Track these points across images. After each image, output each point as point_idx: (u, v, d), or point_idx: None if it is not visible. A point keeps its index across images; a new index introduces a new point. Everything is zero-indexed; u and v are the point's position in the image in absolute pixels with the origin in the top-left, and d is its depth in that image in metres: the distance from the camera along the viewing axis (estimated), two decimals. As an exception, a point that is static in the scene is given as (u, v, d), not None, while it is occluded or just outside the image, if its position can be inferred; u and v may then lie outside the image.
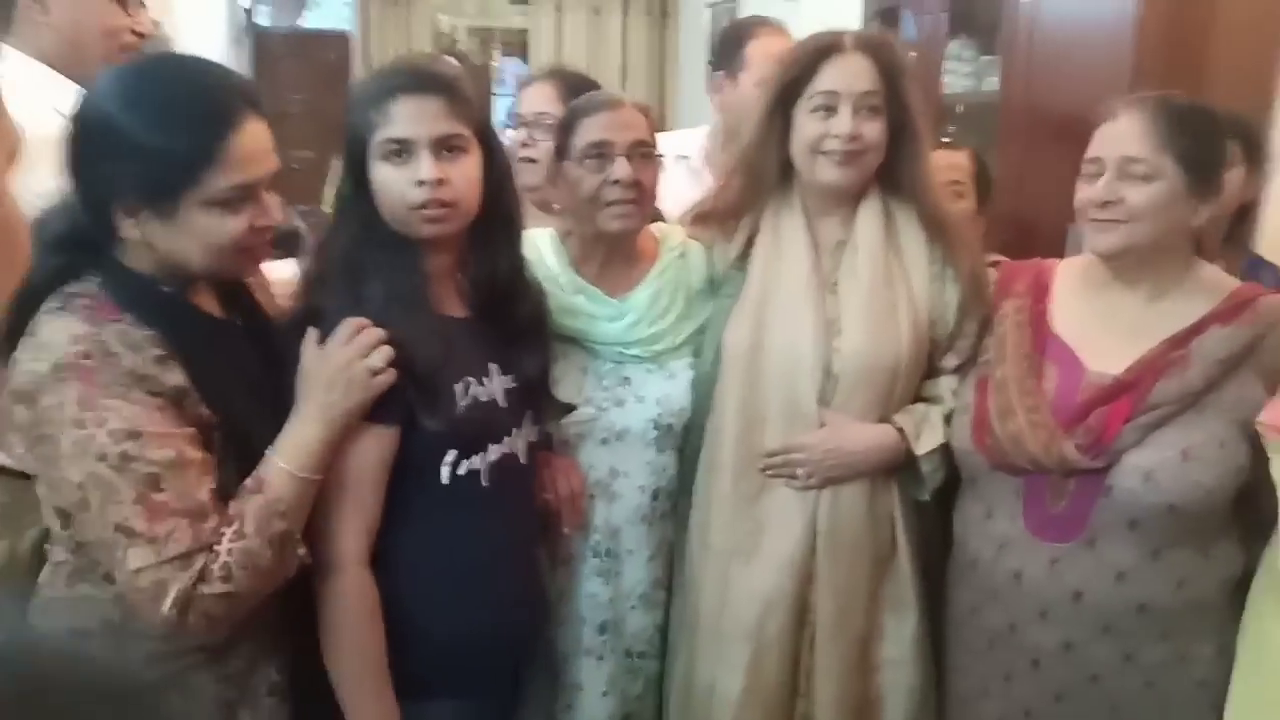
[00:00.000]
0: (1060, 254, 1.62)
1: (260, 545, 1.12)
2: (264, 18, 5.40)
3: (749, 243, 1.64)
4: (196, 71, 1.18)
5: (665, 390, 1.63)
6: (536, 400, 1.46)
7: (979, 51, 3.02)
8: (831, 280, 1.60)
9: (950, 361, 1.63)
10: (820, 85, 1.52)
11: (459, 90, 1.31)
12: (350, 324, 1.23)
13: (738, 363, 1.59)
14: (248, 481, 1.16)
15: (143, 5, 1.84)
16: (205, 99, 1.13)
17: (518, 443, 1.40)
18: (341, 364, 1.21)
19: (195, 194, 1.10)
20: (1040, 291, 1.55)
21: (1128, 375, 1.40)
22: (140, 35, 1.83)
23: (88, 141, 1.11)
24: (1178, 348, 1.39)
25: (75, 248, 1.15)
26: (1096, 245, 1.42)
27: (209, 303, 1.26)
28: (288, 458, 1.18)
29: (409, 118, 1.26)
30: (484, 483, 1.34)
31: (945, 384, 1.62)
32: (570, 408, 1.59)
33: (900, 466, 1.59)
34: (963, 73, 3.05)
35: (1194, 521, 1.37)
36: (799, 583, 1.56)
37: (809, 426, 1.57)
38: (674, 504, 1.69)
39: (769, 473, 1.59)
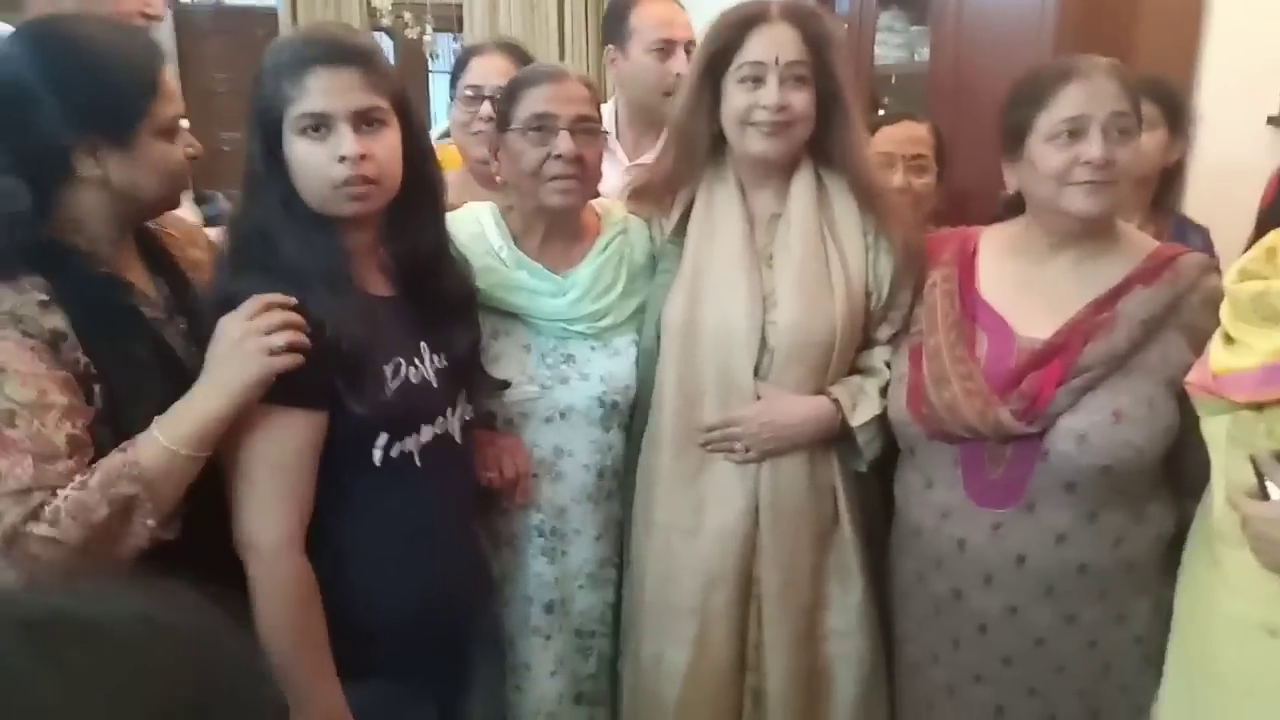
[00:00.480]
0: (989, 222, 1.64)
1: (97, 500, 1.10)
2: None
3: (685, 217, 1.64)
4: (116, 25, 1.35)
5: (609, 367, 1.63)
6: (468, 378, 1.45)
7: (909, 23, 3.04)
8: (766, 254, 1.60)
9: (884, 332, 1.64)
10: (747, 55, 1.51)
11: (376, 61, 1.27)
12: (256, 300, 1.18)
13: (675, 338, 1.59)
14: (125, 443, 1.16)
15: None
16: (138, 43, 1.28)
17: (452, 423, 1.39)
18: (236, 338, 1.17)
19: (148, 124, 1.22)
20: (966, 260, 1.57)
21: (1056, 339, 1.43)
22: (150, 17, 1.81)
23: (28, 103, 1.17)
24: (1103, 310, 1.42)
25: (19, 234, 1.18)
26: (1088, 207, 1.40)
27: (136, 276, 1.30)
28: (164, 427, 1.16)
29: (326, 91, 1.21)
30: (417, 464, 1.32)
31: (879, 355, 1.64)
32: (504, 384, 1.57)
33: (838, 438, 1.61)
34: (894, 44, 3.08)
35: (1127, 481, 1.42)
36: (742, 556, 1.58)
37: (745, 400, 1.57)
38: (620, 482, 1.69)
39: (708, 448, 1.59)
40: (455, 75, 2.09)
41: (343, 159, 1.21)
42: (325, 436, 1.25)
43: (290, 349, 1.17)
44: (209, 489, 1.22)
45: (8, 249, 1.17)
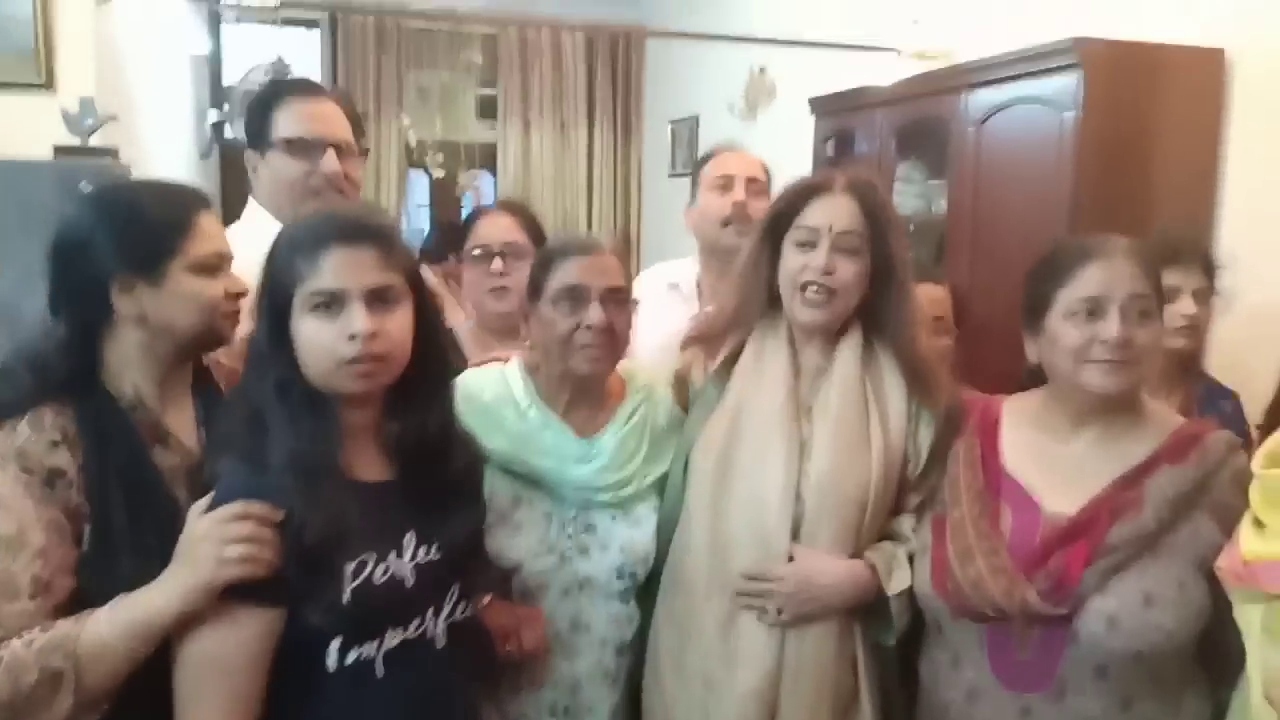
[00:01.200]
0: (1007, 369, 1.63)
1: (31, 664, 1.08)
2: (232, 131, 5.48)
3: (732, 359, 1.67)
4: (155, 180, 1.47)
5: (630, 536, 1.59)
6: (463, 571, 1.33)
7: (927, 175, 3.11)
8: (807, 405, 1.60)
9: (912, 500, 1.61)
10: (805, 220, 1.57)
11: (392, 239, 1.27)
12: (233, 507, 1.14)
13: (707, 476, 1.58)
14: (85, 611, 1.14)
15: (334, 151, 1.82)
16: (172, 190, 1.38)
17: (433, 625, 1.27)
18: (196, 539, 1.14)
19: (179, 260, 1.29)
20: (989, 429, 1.55)
21: (1082, 516, 1.39)
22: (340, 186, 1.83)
23: (80, 246, 1.28)
24: (1130, 488, 1.39)
25: (52, 370, 1.26)
26: (1105, 385, 1.39)
27: (178, 418, 1.33)
28: (113, 609, 1.13)
29: (341, 269, 1.20)
30: (378, 673, 1.21)
31: (906, 522, 1.60)
32: (507, 576, 1.52)
33: (867, 608, 1.55)
34: (911, 194, 3.14)
35: (1160, 668, 1.35)
36: (763, 716, 1.51)
37: (778, 552, 1.53)
38: (637, 657, 1.62)
39: (741, 601, 1.54)
40: (462, 239, 2.12)
41: (353, 336, 1.19)
42: (279, 635, 1.17)
43: (248, 560, 1.12)
44: (156, 675, 1.15)
45: (40, 385, 1.23)
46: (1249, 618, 1.20)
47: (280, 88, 1.94)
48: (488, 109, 6.32)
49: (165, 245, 1.29)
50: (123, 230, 1.28)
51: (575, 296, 1.56)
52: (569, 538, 1.58)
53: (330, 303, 1.20)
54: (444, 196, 5.98)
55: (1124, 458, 1.42)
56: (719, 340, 1.70)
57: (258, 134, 1.83)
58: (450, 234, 3.46)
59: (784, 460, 1.55)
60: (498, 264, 2.00)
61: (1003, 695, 1.40)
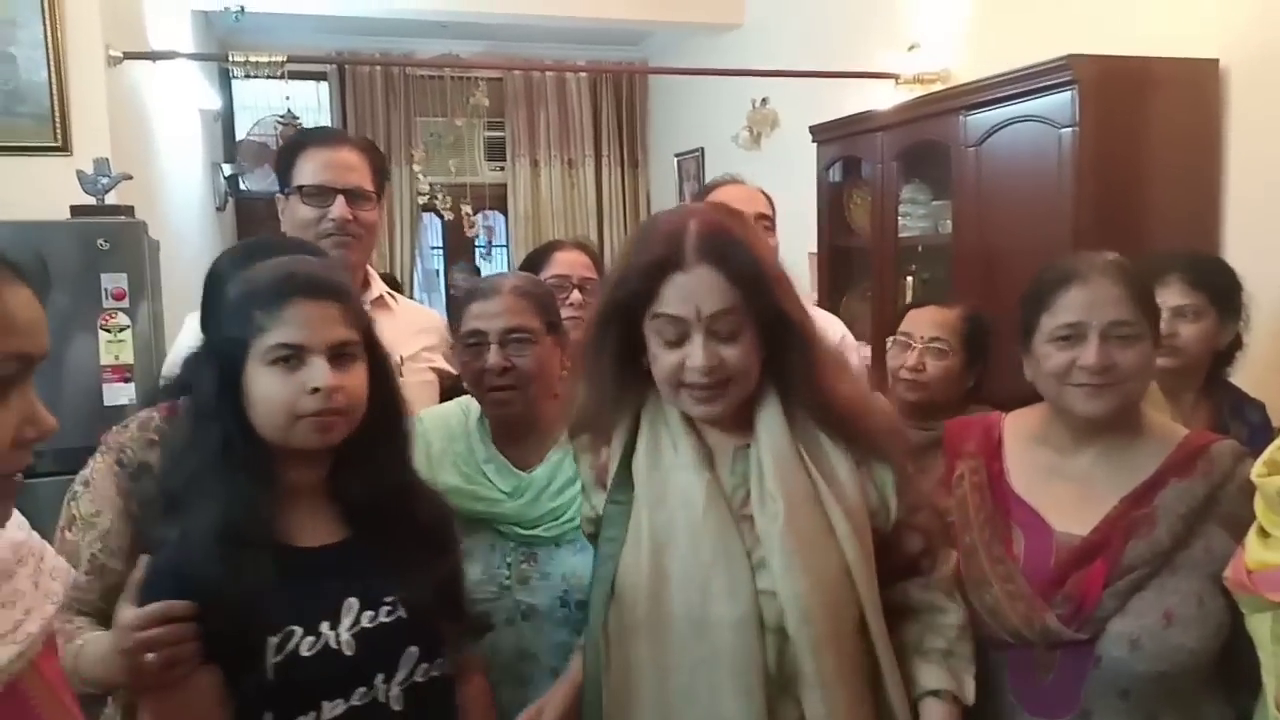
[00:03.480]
0: (1017, 386, 1.61)
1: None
2: (245, 185, 5.58)
3: (626, 459, 1.32)
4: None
5: (573, 564, 1.54)
6: (426, 630, 1.25)
7: (931, 196, 3.13)
8: (737, 498, 1.27)
9: (915, 542, 1.36)
10: (665, 307, 1.22)
11: (350, 295, 1.27)
12: (152, 610, 1.09)
13: (640, 638, 1.24)
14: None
15: (345, 198, 1.88)
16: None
17: (386, 690, 1.20)
18: (119, 635, 1.11)
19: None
20: (992, 449, 1.52)
21: (1096, 536, 1.37)
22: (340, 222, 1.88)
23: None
24: (1140, 505, 1.37)
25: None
26: (1089, 409, 1.38)
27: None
28: (87, 643, 1.20)
29: (303, 323, 1.18)
30: None
31: (926, 592, 1.36)
32: (486, 627, 1.48)
33: None
34: (917, 215, 3.16)
35: (1182, 684, 1.34)
36: None
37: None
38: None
39: None
40: (533, 268, 2.14)
41: (315, 390, 1.17)
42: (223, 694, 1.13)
43: (165, 666, 1.08)
44: None
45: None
46: (1258, 627, 1.19)
47: (305, 136, 2.03)
48: (496, 151, 6.40)
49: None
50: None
51: (475, 341, 1.59)
52: (508, 567, 1.57)
53: (290, 357, 1.18)
54: (457, 238, 6.05)
55: (1131, 473, 1.41)
56: (600, 433, 1.36)
57: (283, 181, 1.92)
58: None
59: (728, 591, 1.20)
60: (576, 296, 2.04)
61: None
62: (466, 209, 5.33)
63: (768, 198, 2.38)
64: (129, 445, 1.36)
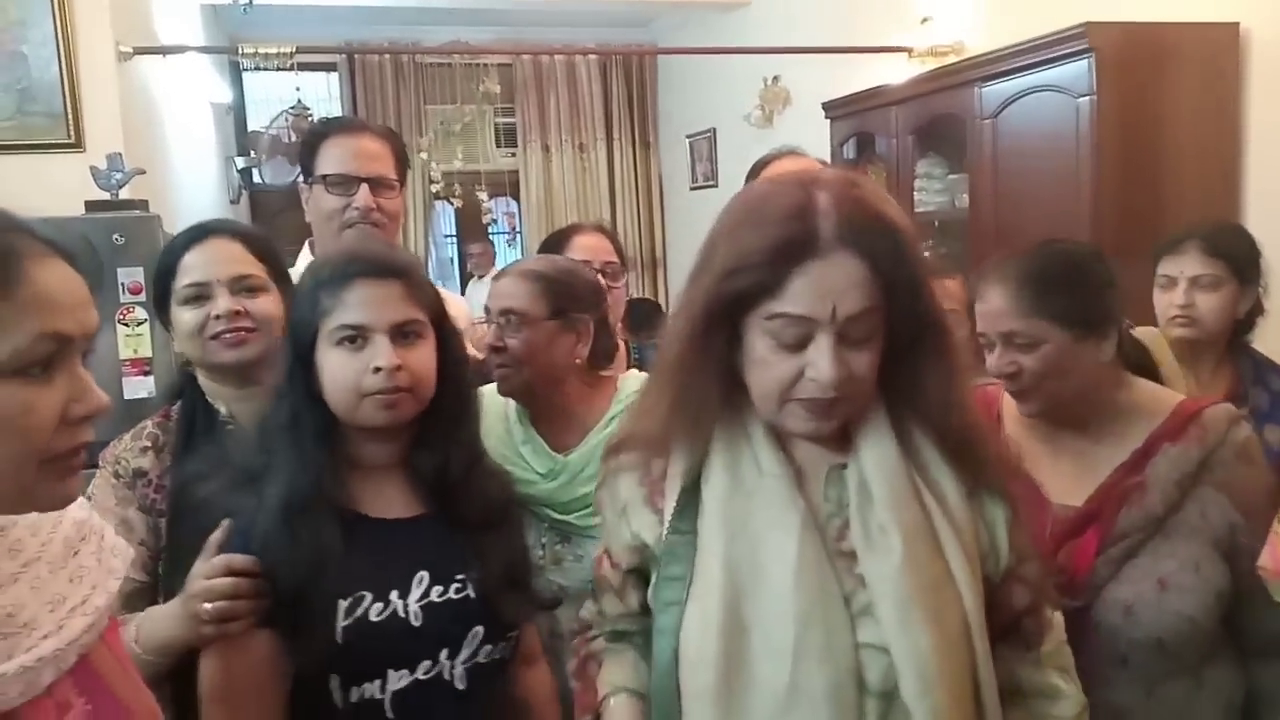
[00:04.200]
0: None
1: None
2: (259, 177, 5.60)
3: (692, 482, 1.06)
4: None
5: None
6: (492, 613, 1.24)
7: (948, 170, 3.10)
8: (832, 528, 1.02)
9: (1021, 597, 1.09)
10: (786, 306, 0.96)
11: (415, 275, 1.28)
12: (217, 562, 1.16)
13: (708, 702, 0.98)
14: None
15: (368, 186, 1.88)
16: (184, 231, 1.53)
17: (450, 667, 1.20)
18: (190, 592, 1.17)
19: (174, 298, 1.49)
20: (992, 425, 1.51)
21: (1089, 505, 1.37)
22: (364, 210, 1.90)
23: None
24: (1133, 472, 1.37)
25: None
26: (1020, 410, 1.43)
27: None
28: (143, 619, 1.24)
29: (366, 303, 1.22)
30: (388, 714, 1.17)
31: (1044, 674, 1.11)
32: (553, 603, 1.48)
33: None
34: (934, 190, 3.13)
35: (1184, 652, 1.33)
36: None
37: None
38: None
39: None
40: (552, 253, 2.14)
41: (378, 369, 1.20)
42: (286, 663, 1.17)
43: (225, 617, 1.14)
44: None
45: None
46: None
47: (327, 126, 2.04)
48: (508, 137, 6.39)
49: (162, 289, 1.47)
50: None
51: (481, 320, 1.61)
52: (543, 547, 1.58)
53: (355, 336, 1.22)
54: (470, 225, 6.04)
55: (1124, 440, 1.40)
56: (656, 452, 1.09)
57: (306, 170, 1.93)
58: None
59: (830, 653, 0.96)
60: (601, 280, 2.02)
61: None
62: (482, 195, 5.32)
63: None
64: (123, 456, 1.41)
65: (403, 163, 1.97)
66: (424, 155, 5.57)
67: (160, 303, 1.49)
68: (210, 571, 1.16)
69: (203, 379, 1.49)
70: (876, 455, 1.02)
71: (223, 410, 1.45)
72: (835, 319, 0.96)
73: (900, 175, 3.19)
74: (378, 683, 1.17)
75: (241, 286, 1.45)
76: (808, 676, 0.94)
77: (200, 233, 1.48)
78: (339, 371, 1.22)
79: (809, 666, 0.94)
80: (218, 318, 1.43)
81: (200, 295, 1.44)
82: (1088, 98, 2.38)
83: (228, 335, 1.42)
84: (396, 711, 1.17)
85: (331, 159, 1.88)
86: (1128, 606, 1.31)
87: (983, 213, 2.80)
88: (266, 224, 5.78)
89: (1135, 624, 1.30)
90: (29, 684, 0.76)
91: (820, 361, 0.96)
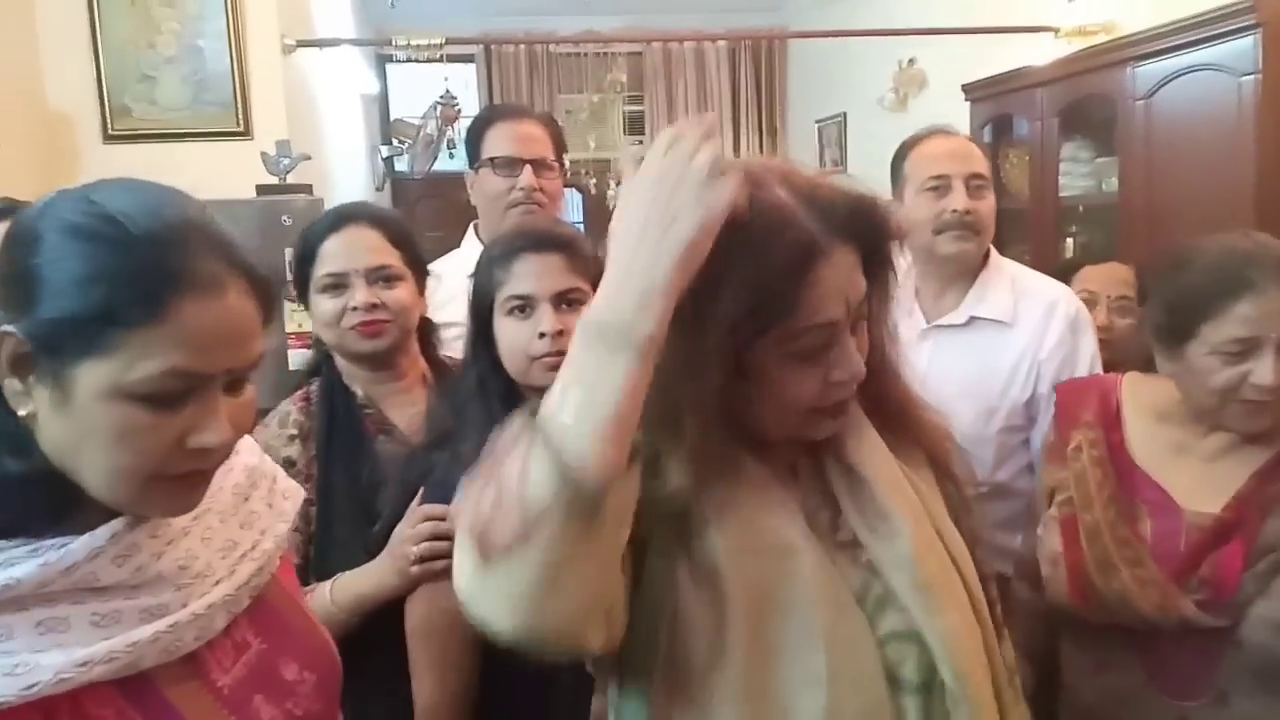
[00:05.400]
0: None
1: None
2: (401, 165, 5.84)
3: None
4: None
5: None
6: None
7: (1095, 153, 3.01)
8: (828, 530, 0.94)
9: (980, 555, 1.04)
10: (807, 320, 0.86)
11: (578, 246, 1.37)
12: (416, 512, 1.30)
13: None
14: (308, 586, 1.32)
15: (531, 167, 1.96)
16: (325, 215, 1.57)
17: None
18: (398, 540, 1.30)
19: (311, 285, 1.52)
20: (1110, 420, 1.42)
21: (1229, 514, 1.29)
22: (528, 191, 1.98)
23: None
24: (1275, 479, 1.29)
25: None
26: (1253, 427, 1.31)
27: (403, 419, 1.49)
28: (337, 584, 1.32)
29: (531, 275, 1.33)
30: None
31: None
32: None
33: None
34: (1080, 174, 3.04)
35: None
36: None
37: None
38: None
39: None
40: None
41: (542, 335, 1.30)
42: None
43: (430, 560, 1.26)
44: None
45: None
46: None
47: (492, 112, 2.14)
48: (636, 125, 6.47)
49: (302, 274, 1.50)
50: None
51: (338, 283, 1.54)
52: None
53: (524, 306, 1.33)
54: (597, 213, 6.16)
55: (1262, 448, 1.32)
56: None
57: (473, 155, 2.03)
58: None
59: (856, 662, 0.87)
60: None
61: (1156, 700, 1.30)
62: (611, 183, 5.41)
63: (981, 155, 1.96)
64: (271, 444, 1.42)
65: (560, 146, 2.05)
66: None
67: (301, 287, 1.52)
68: (414, 521, 1.29)
69: (339, 360, 1.53)
70: (860, 442, 0.96)
71: (359, 393, 1.50)
72: (849, 313, 0.89)
73: (1044, 159, 3.11)
74: None
75: (378, 276, 1.47)
76: (845, 699, 0.85)
77: (339, 220, 1.50)
78: (510, 338, 1.33)
79: (844, 689, 0.85)
80: (355, 309, 1.45)
81: (338, 285, 1.46)
82: (1252, 76, 2.28)
83: (365, 326, 1.45)
84: None
85: (497, 143, 1.98)
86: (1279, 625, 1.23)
87: (1134, 197, 2.70)
88: (407, 211, 6.03)
89: None
90: (203, 628, 0.80)
91: (847, 361, 0.89)
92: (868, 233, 0.90)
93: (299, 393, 1.52)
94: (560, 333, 1.30)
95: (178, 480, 0.77)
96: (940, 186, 1.83)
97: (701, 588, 0.86)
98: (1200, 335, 1.28)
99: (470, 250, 2.02)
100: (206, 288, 0.74)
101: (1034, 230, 3.18)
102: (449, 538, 1.22)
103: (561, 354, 1.21)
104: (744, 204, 0.79)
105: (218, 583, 0.82)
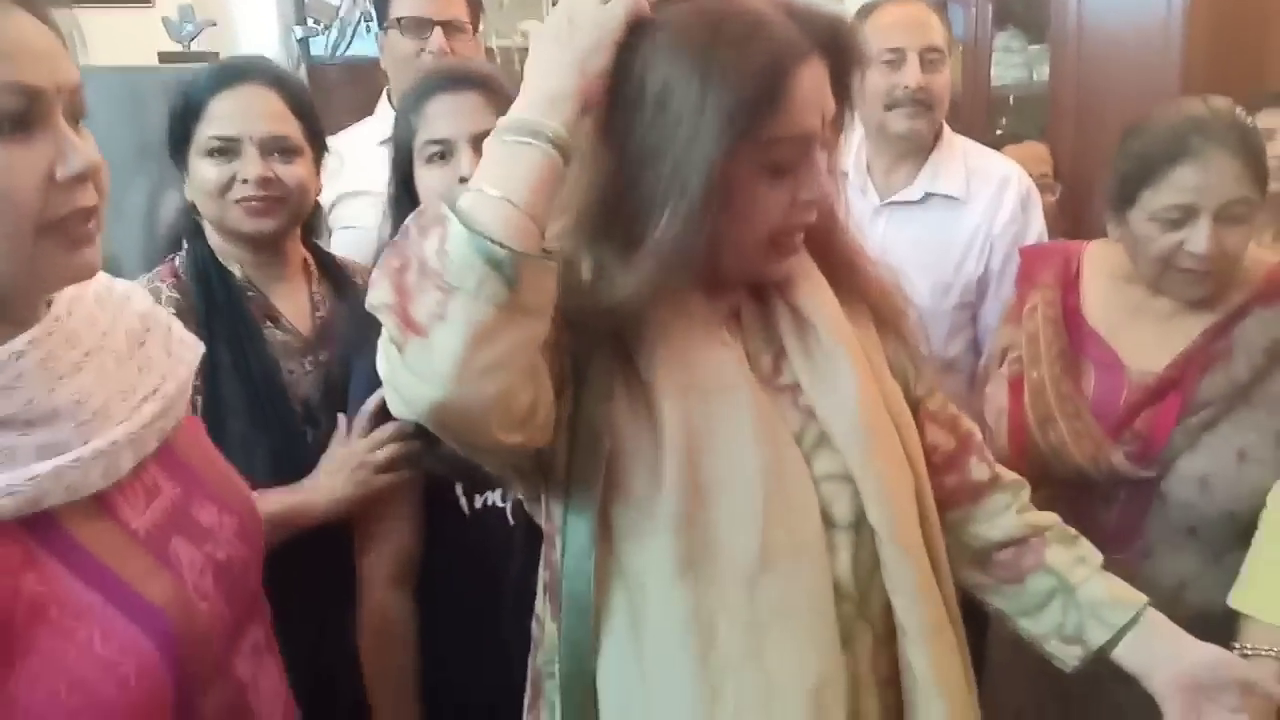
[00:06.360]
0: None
1: None
2: (317, 48, 5.55)
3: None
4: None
5: None
6: None
7: (1028, 41, 3.00)
8: (769, 373, 0.95)
9: (941, 439, 1.05)
10: (785, 129, 0.85)
11: (496, 84, 1.24)
12: (362, 420, 1.22)
13: (670, 577, 0.86)
14: None
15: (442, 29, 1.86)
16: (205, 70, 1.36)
17: None
18: (344, 460, 1.22)
19: (194, 146, 1.33)
20: (1069, 282, 1.45)
21: (1171, 372, 1.32)
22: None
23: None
24: (1219, 337, 1.31)
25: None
26: (1192, 294, 1.32)
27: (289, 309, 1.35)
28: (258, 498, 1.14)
29: (447, 115, 1.21)
30: (510, 521, 1.24)
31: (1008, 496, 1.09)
32: None
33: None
34: (1012, 64, 3.04)
35: (1255, 522, 1.30)
36: None
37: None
38: None
39: None
40: None
41: (463, 179, 1.15)
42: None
43: (392, 466, 1.19)
44: None
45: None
46: None
47: None
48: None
49: (184, 131, 1.29)
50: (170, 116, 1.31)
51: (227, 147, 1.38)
52: None
53: (443, 152, 1.22)
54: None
55: (1214, 305, 1.34)
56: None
57: (381, 15, 1.93)
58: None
59: (797, 509, 0.89)
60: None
61: None
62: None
63: (941, 26, 1.87)
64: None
65: (475, 6, 1.94)
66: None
67: (177, 146, 1.31)
68: (365, 426, 1.20)
69: (213, 235, 1.34)
70: (808, 283, 0.96)
71: (237, 273, 1.33)
72: (823, 128, 0.88)
73: (977, 49, 3.09)
74: (499, 490, 1.21)
75: (276, 147, 1.29)
76: (779, 533, 0.86)
77: (233, 74, 1.30)
78: (429, 189, 1.22)
79: (777, 525, 0.86)
80: (245, 182, 1.27)
81: (227, 150, 1.27)
82: (1183, -41, 2.27)
83: (254, 202, 1.27)
84: (517, 518, 1.20)
85: (405, 2, 1.86)
86: (1203, 479, 1.27)
87: (1064, 85, 2.71)
88: (323, 98, 5.76)
89: (1209, 497, 1.27)
90: (108, 467, 0.77)
91: (814, 180, 0.88)
92: (841, 50, 0.89)
93: (163, 267, 1.32)
94: None
95: (65, 231, 0.73)
96: (894, 60, 1.78)
97: (639, 419, 0.88)
98: (1140, 201, 1.29)
99: (383, 117, 1.91)
100: (7, 5, 0.71)
101: (965, 119, 3.17)
102: (407, 434, 1.17)
103: None
104: (644, 13, 0.82)
105: (120, 424, 0.79)
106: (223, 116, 1.27)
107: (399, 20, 1.87)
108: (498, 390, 0.74)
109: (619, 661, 0.87)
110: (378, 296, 0.75)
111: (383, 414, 1.18)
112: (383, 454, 1.20)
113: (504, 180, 0.75)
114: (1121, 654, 1.01)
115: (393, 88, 1.96)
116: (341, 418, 1.25)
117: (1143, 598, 1.03)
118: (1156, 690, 0.98)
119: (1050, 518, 1.09)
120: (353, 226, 1.80)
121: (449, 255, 0.71)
